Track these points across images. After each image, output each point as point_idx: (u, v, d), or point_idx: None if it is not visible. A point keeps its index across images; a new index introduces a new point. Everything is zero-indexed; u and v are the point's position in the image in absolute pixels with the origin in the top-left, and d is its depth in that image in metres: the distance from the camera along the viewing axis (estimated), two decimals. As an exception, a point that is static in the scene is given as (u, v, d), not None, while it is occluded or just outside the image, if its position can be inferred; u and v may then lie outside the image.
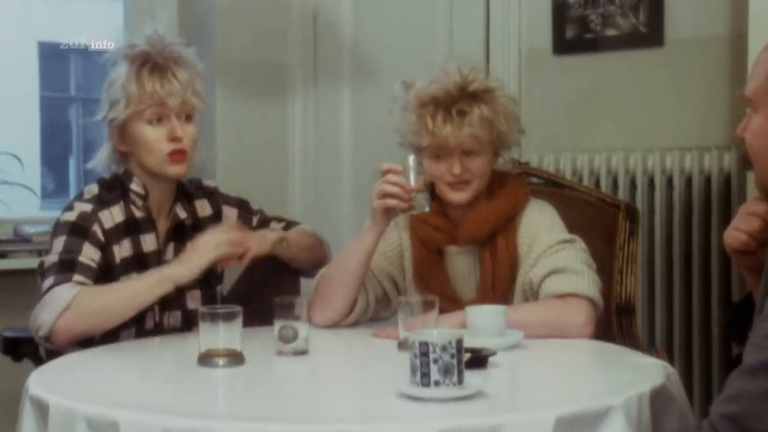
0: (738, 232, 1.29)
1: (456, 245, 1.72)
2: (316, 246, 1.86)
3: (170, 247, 1.73)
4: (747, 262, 1.31)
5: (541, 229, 1.67)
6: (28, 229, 2.48)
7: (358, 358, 1.60)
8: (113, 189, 1.69)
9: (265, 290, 1.65)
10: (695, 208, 2.30)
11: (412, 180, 1.58)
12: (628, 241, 1.85)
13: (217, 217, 1.80)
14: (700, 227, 2.29)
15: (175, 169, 1.67)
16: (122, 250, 1.67)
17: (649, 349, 1.81)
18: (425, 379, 1.17)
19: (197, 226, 1.76)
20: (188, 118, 1.69)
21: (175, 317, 1.70)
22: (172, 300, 1.67)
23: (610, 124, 2.44)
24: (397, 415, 1.18)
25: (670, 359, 1.92)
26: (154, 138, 1.65)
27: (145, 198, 1.70)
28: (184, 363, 1.44)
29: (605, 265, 1.78)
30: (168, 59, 1.65)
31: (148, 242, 1.70)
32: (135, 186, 1.69)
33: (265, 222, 1.86)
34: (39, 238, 2.39)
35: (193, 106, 1.68)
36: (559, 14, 2.48)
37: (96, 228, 1.63)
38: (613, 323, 1.79)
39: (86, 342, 1.61)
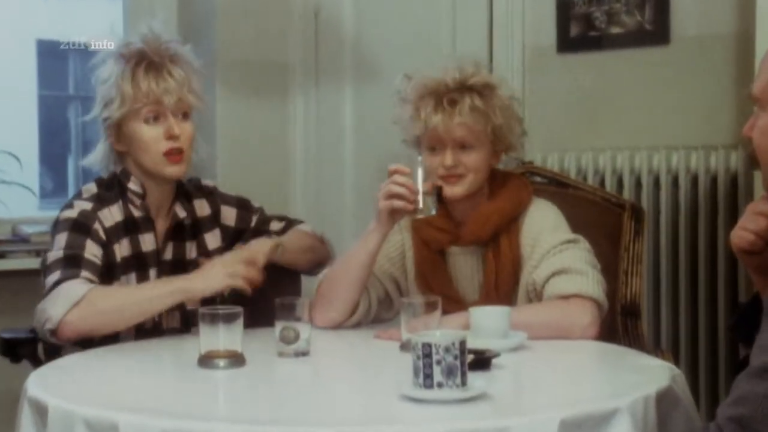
0: (745, 231, 1.28)
1: (458, 246, 1.71)
2: (316, 246, 1.85)
3: (169, 247, 1.72)
4: (754, 262, 1.30)
5: (544, 229, 1.66)
6: (27, 229, 2.47)
7: (360, 359, 1.60)
8: (111, 188, 1.69)
9: (266, 291, 1.64)
10: (701, 207, 2.28)
11: (420, 182, 1.57)
12: (633, 241, 1.84)
13: (215, 217, 1.79)
14: (707, 227, 2.28)
15: (173, 170, 1.66)
16: (122, 249, 1.66)
17: (655, 350, 1.82)
18: (428, 381, 1.16)
19: (196, 225, 1.75)
20: (185, 116, 1.68)
21: (174, 318, 1.70)
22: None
23: (615, 122, 2.43)
24: (399, 418, 1.17)
25: (676, 361, 1.91)
26: (151, 137, 1.64)
27: (143, 197, 1.69)
28: (184, 364, 1.44)
29: (610, 266, 1.78)
30: (163, 57, 1.64)
31: (147, 242, 1.70)
32: (133, 185, 1.68)
33: (265, 221, 1.85)
34: (38, 239, 2.38)
35: (190, 104, 1.67)
36: (564, 12, 2.47)
37: (97, 226, 1.62)
38: (618, 324, 1.79)
39: (86, 343, 1.60)
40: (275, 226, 1.85)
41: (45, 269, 1.59)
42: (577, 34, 2.46)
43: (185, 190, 1.77)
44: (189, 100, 1.66)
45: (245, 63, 2.67)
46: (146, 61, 1.63)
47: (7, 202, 2.62)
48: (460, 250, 1.71)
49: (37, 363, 1.72)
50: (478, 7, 2.55)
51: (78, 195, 1.68)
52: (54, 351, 1.66)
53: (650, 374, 1.32)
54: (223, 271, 1.57)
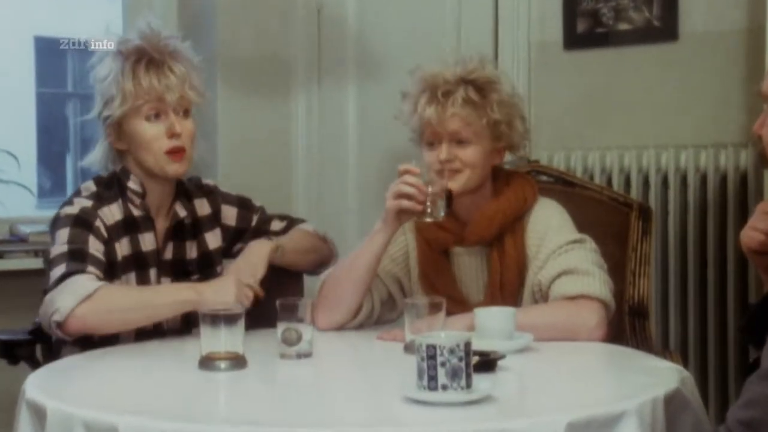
0: (755, 231, 1.28)
1: (462, 246, 1.70)
2: (318, 246, 1.84)
3: (169, 247, 1.72)
4: (764, 262, 1.30)
5: (550, 228, 1.65)
6: (25, 229, 2.46)
7: (364, 361, 1.59)
8: (110, 187, 1.68)
9: (268, 291, 1.64)
10: (710, 207, 2.27)
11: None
12: (641, 241, 1.83)
13: (216, 217, 1.78)
14: (716, 227, 2.26)
15: (175, 168, 1.65)
16: (122, 248, 1.65)
17: (663, 352, 1.80)
18: (432, 383, 1.16)
19: (196, 225, 1.74)
20: (186, 113, 1.67)
21: (175, 319, 1.68)
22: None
23: (622, 120, 2.42)
24: (403, 420, 1.17)
25: (685, 363, 1.91)
26: (152, 135, 1.63)
27: (143, 196, 1.68)
28: (184, 366, 1.43)
29: (617, 266, 1.77)
30: (164, 53, 1.63)
31: (147, 241, 1.69)
32: (132, 184, 1.67)
33: (266, 220, 1.84)
34: (36, 238, 2.37)
35: (191, 101, 1.66)
36: (570, 8, 2.45)
37: (99, 223, 1.62)
38: (626, 325, 1.78)
39: (85, 343, 1.59)
40: (277, 225, 1.84)
41: (49, 264, 1.58)
42: (584, 30, 2.45)
43: (185, 189, 1.76)
44: (190, 96, 1.65)
45: (247, 60, 2.66)
46: (146, 57, 1.62)
47: (5, 202, 2.62)
48: (464, 250, 1.70)
49: (35, 365, 1.71)
50: (484, 2, 2.54)
51: (77, 193, 1.68)
52: (52, 353, 1.65)
53: (658, 376, 1.31)
54: (236, 288, 1.57)
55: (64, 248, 1.56)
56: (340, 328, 1.68)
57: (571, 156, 2.40)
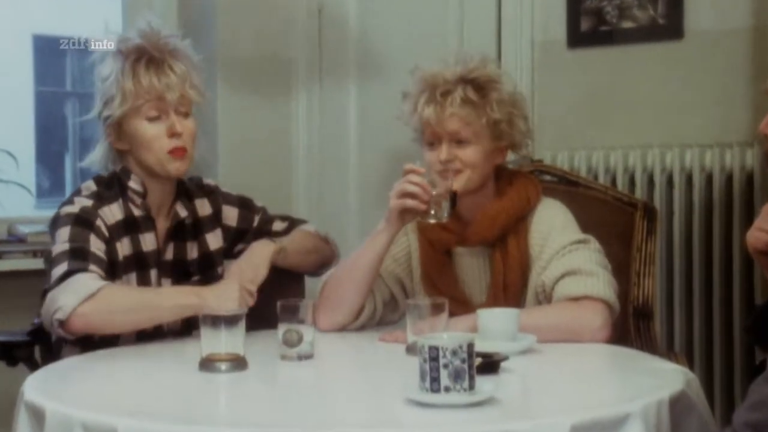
0: (761, 232, 1.27)
1: (465, 246, 1.69)
2: (320, 247, 1.83)
3: (170, 247, 1.71)
4: None
5: (553, 229, 1.64)
6: (23, 229, 2.46)
7: (365, 362, 1.58)
8: (111, 186, 1.67)
9: (269, 292, 1.63)
10: (716, 207, 2.26)
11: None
12: (645, 241, 1.82)
13: (216, 217, 1.78)
14: (721, 227, 2.25)
15: (176, 167, 1.64)
16: (123, 248, 1.64)
17: (668, 353, 1.80)
18: (435, 385, 1.15)
19: (197, 225, 1.74)
20: (186, 112, 1.66)
21: (175, 320, 1.67)
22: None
23: (626, 119, 2.41)
24: (405, 422, 1.16)
25: (690, 364, 1.91)
26: (153, 135, 1.62)
27: (143, 196, 1.68)
28: (184, 368, 1.42)
29: (622, 267, 1.76)
30: (164, 52, 1.63)
31: (148, 242, 1.68)
32: (133, 183, 1.67)
33: (267, 221, 1.83)
34: (34, 239, 2.37)
35: (192, 100, 1.65)
36: (574, 6, 2.45)
37: (100, 223, 1.61)
38: (630, 327, 1.77)
39: (85, 344, 1.59)
40: (278, 226, 1.83)
41: (50, 262, 1.57)
42: (588, 28, 2.44)
43: (186, 189, 1.75)
44: (191, 95, 1.64)
45: (247, 59, 2.66)
46: (146, 56, 1.62)
47: (3, 202, 2.61)
48: (466, 250, 1.69)
49: (34, 366, 1.71)
50: (486, 0, 2.52)
51: (77, 192, 1.67)
52: (52, 353, 1.64)
53: (663, 378, 1.30)
54: (238, 294, 1.57)
55: (66, 246, 1.55)
56: (342, 329, 1.67)
57: (575, 155, 2.39)
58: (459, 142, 1.62)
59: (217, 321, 1.37)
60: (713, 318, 2.26)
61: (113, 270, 1.61)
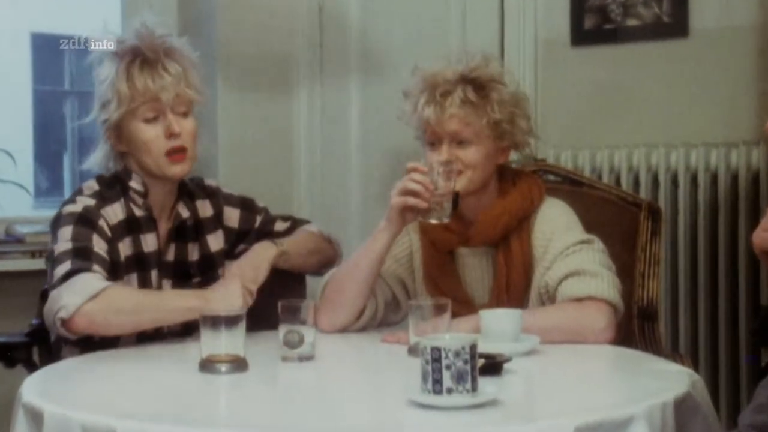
0: (767, 232, 1.23)
1: (468, 246, 1.68)
2: (323, 247, 1.82)
3: (171, 248, 1.70)
4: None
5: (556, 229, 1.63)
6: (21, 229, 2.45)
7: (367, 364, 1.58)
8: (113, 186, 1.67)
9: (270, 293, 1.62)
10: (721, 206, 2.25)
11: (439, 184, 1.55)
12: (650, 241, 1.81)
13: (218, 218, 1.77)
14: (727, 227, 2.24)
15: (176, 169, 1.63)
16: (125, 248, 1.63)
17: (673, 355, 1.78)
18: (437, 386, 1.14)
19: (198, 226, 1.73)
20: (185, 112, 1.65)
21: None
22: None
23: (631, 118, 2.40)
24: (407, 424, 1.16)
25: (695, 366, 1.90)
26: (151, 136, 1.62)
27: (145, 196, 1.67)
28: (184, 369, 1.42)
29: (626, 267, 1.76)
30: (158, 52, 1.62)
31: (149, 242, 1.67)
32: (134, 183, 1.66)
33: (269, 221, 1.82)
34: (32, 239, 2.36)
35: (189, 99, 1.64)
36: (578, 3, 2.44)
37: (102, 222, 1.60)
38: (635, 328, 1.76)
39: (85, 345, 1.58)
40: (280, 226, 1.82)
41: (52, 261, 1.56)
42: (592, 26, 2.43)
43: (188, 190, 1.74)
44: (187, 95, 1.63)
45: (248, 57, 2.65)
46: (140, 57, 1.61)
47: (1, 201, 2.61)
48: (469, 251, 1.68)
49: (32, 368, 1.70)
50: (489, -2, 2.52)
51: (79, 191, 1.66)
52: (51, 353, 1.63)
53: (668, 380, 1.30)
54: (241, 292, 1.56)
55: (68, 245, 1.54)
56: (343, 330, 1.66)
57: (579, 155, 2.38)
58: (460, 142, 1.61)
59: (217, 322, 1.36)
60: (719, 319, 2.24)
61: (114, 270, 1.60)
